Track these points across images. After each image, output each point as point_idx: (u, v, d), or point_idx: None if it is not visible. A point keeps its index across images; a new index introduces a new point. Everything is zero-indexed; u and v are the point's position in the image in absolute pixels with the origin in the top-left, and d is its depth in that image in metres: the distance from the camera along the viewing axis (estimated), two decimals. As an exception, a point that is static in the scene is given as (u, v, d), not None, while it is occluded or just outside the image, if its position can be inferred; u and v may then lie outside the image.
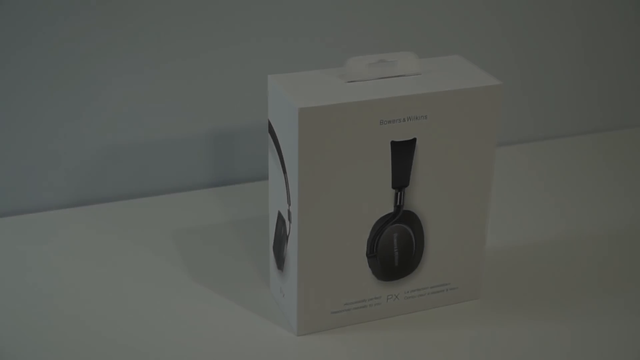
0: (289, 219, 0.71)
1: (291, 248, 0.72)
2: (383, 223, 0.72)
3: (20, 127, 0.90)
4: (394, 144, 0.69)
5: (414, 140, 0.70)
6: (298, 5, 0.95)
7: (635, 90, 1.13)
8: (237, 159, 0.99)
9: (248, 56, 0.95)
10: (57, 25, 0.87)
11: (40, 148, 0.92)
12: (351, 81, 0.70)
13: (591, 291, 0.80)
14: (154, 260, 0.84)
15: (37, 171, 0.92)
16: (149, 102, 0.94)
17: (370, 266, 0.74)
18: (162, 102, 0.94)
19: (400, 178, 0.71)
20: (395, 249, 0.74)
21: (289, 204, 0.71)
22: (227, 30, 0.93)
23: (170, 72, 0.93)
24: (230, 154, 0.98)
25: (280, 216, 0.74)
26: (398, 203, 0.72)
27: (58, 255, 0.85)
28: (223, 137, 0.98)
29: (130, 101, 0.93)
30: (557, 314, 0.77)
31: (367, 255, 0.73)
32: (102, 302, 0.78)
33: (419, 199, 0.72)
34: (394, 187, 0.71)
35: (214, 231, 0.90)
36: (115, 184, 0.95)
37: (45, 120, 0.91)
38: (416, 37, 1.00)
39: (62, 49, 0.89)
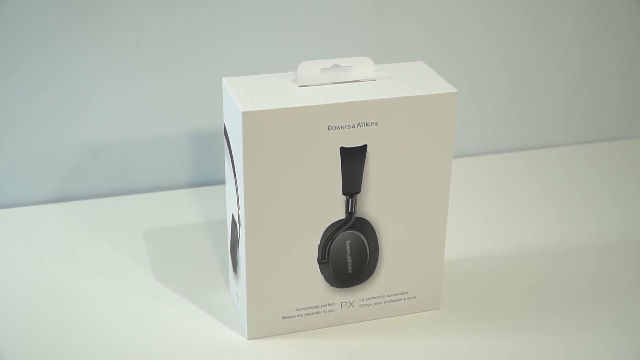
0: (239, 222, 0.71)
1: (241, 251, 0.72)
2: (334, 229, 0.71)
3: (2, 124, 0.92)
4: (343, 150, 0.69)
5: (365, 146, 0.69)
6: (284, 7, 0.95)
7: (618, 102, 1.11)
8: (217, 160, 0.99)
9: (230, 58, 0.95)
10: (41, 23, 0.89)
11: (21, 144, 0.93)
12: (303, 85, 0.70)
13: (552, 305, 0.79)
14: (120, 258, 0.85)
15: (17, 167, 0.94)
16: (131, 102, 0.95)
17: (322, 272, 0.73)
18: (143, 101, 0.95)
19: (351, 184, 0.70)
20: (348, 255, 0.73)
21: (239, 207, 0.71)
22: (209, 31, 0.94)
23: (151, 72, 0.94)
24: (210, 155, 0.99)
25: (233, 219, 0.74)
26: (349, 210, 0.71)
27: (28, 250, 0.86)
28: (204, 138, 0.98)
29: (113, 100, 0.94)
30: (517, 327, 0.76)
31: (318, 261, 0.72)
32: (58, 297, 0.79)
33: (372, 206, 0.72)
34: (344, 193, 0.70)
35: (188, 231, 0.90)
36: (96, 182, 0.96)
37: (26, 117, 0.92)
38: (402, 42, 0.99)
39: (44, 46, 0.90)
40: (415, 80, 0.72)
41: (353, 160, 0.69)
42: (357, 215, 0.72)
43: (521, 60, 1.04)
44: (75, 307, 0.78)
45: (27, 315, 0.77)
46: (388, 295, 0.76)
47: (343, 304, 0.75)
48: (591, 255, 0.86)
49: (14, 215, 0.92)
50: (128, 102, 0.94)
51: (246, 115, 0.65)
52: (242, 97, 0.68)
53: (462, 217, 0.93)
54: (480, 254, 0.86)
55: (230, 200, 0.73)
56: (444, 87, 0.70)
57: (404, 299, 0.76)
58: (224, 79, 0.71)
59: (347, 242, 0.72)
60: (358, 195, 0.71)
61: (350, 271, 0.74)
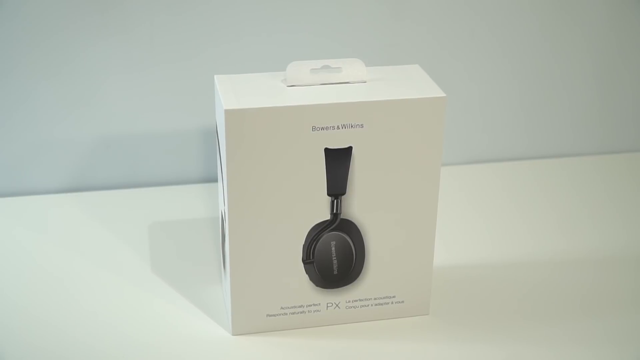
0: (225, 219, 0.72)
1: (226, 248, 0.72)
2: (319, 230, 0.71)
3: (17, 114, 0.94)
4: (327, 151, 0.69)
5: (350, 148, 0.69)
6: (298, 7, 0.95)
7: (629, 115, 1.08)
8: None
9: (241, 55, 0.96)
10: (55, 14, 0.91)
11: (35, 135, 0.95)
12: (292, 85, 0.70)
13: (545, 316, 0.77)
14: (122, 249, 0.86)
15: (31, 157, 0.96)
16: (144, 96, 0.96)
17: (307, 272, 0.73)
18: (156, 96, 0.96)
19: (336, 186, 0.70)
20: (334, 256, 0.73)
21: (224, 204, 0.71)
22: (222, 27, 0.95)
23: (165, 67, 0.95)
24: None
25: (222, 216, 0.74)
26: (335, 211, 0.71)
27: (35, 236, 0.88)
28: (215, 134, 0.99)
29: (126, 94, 0.96)
30: (509, 337, 0.75)
31: (303, 261, 0.73)
32: (56, 283, 0.81)
33: (358, 209, 0.71)
34: (329, 194, 0.70)
35: (193, 226, 0.91)
36: (107, 174, 0.98)
37: (41, 109, 0.94)
38: (415, 47, 0.99)
39: (59, 40, 0.92)
40: (406, 83, 0.71)
41: (338, 162, 0.69)
42: (343, 216, 0.72)
43: (534, 69, 1.03)
44: (71, 293, 0.79)
45: (25, 298, 0.79)
46: (375, 299, 0.76)
47: (329, 304, 0.75)
48: (590, 268, 0.84)
49: (25, 203, 0.95)
50: (141, 96, 0.96)
51: (229, 113, 0.66)
52: (228, 94, 0.68)
53: (465, 223, 0.92)
54: (479, 261, 0.85)
55: (220, 196, 0.74)
56: (433, 92, 0.70)
57: (392, 302, 0.76)
58: (215, 77, 0.72)
59: (333, 243, 0.72)
60: (344, 197, 0.71)
61: (335, 272, 0.74)
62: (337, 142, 0.69)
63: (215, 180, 1.00)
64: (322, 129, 0.68)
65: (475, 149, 1.05)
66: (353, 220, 0.72)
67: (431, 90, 0.70)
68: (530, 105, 1.05)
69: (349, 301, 0.75)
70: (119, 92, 0.95)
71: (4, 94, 0.93)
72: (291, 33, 0.96)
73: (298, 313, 0.75)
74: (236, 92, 0.69)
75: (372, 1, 0.96)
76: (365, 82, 0.71)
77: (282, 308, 0.74)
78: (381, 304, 0.76)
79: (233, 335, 0.74)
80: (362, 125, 0.68)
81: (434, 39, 0.99)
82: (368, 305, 0.76)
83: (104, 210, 0.93)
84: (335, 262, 0.73)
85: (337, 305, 0.75)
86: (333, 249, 0.73)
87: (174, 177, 1.00)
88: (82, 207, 0.94)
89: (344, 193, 0.71)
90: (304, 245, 0.72)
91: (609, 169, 1.05)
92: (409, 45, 0.98)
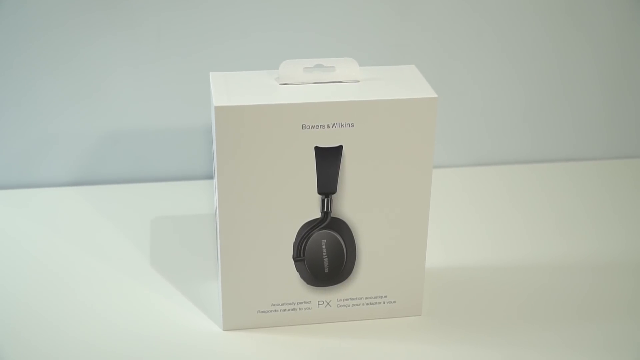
0: (216, 215, 0.72)
1: (218, 244, 0.73)
2: (310, 228, 0.72)
3: (23, 109, 0.96)
4: (318, 150, 0.69)
5: (340, 147, 0.69)
6: (304, 6, 0.96)
7: (634, 120, 1.07)
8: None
9: (247, 52, 0.97)
10: (62, 7, 0.92)
11: (42, 129, 0.97)
12: (284, 84, 0.71)
13: (539, 320, 0.77)
14: (123, 243, 0.87)
15: (37, 150, 0.98)
16: (149, 92, 0.97)
17: (297, 270, 0.73)
18: (161, 92, 0.97)
19: (327, 184, 0.70)
20: (324, 255, 0.73)
21: (216, 201, 0.72)
22: (228, 24, 0.95)
23: (170, 63, 0.96)
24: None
25: (215, 212, 0.75)
26: (325, 209, 0.71)
27: (38, 228, 0.89)
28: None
29: (132, 89, 0.97)
30: (502, 341, 0.74)
31: (293, 258, 0.73)
32: (54, 276, 0.82)
33: (349, 208, 0.72)
34: (320, 192, 0.71)
35: (195, 222, 0.92)
36: (114, 169, 0.99)
37: (48, 102, 0.96)
38: (422, 48, 0.99)
39: (65, 35, 0.93)
40: (399, 83, 0.71)
41: (328, 160, 0.69)
42: (334, 215, 0.72)
43: (539, 72, 1.02)
44: (71, 287, 0.81)
45: (26, 290, 0.80)
46: (367, 298, 0.76)
47: (320, 303, 0.75)
48: (588, 273, 0.84)
49: (30, 195, 0.96)
50: (146, 92, 0.97)
51: (219, 110, 0.67)
52: (220, 92, 0.69)
53: (466, 225, 0.92)
54: (478, 263, 0.85)
55: (214, 193, 0.75)
56: (425, 92, 0.70)
57: (383, 302, 0.76)
58: (210, 74, 0.72)
59: (323, 241, 0.73)
60: (334, 196, 0.71)
61: (326, 271, 0.74)
62: (327, 141, 0.69)
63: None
64: (313, 127, 0.68)
65: (479, 152, 1.04)
66: (344, 219, 0.72)
67: (423, 90, 0.70)
68: (535, 108, 1.04)
69: (340, 300, 0.75)
70: (124, 87, 0.97)
71: (10, 88, 0.94)
72: (297, 32, 0.97)
73: (289, 310, 0.75)
74: (228, 89, 0.69)
75: (377, 2, 0.96)
76: (358, 81, 0.71)
77: (273, 305, 0.75)
78: (372, 304, 0.76)
79: (224, 330, 0.75)
80: (352, 125, 0.69)
81: (439, 41, 0.99)
82: (359, 304, 0.76)
83: (107, 204, 0.95)
84: (326, 260, 0.73)
85: (328, 304, 0.75)
86: (324, 247, 0.73)
87: (178, 172, 1.01)
88: (85, 201, 0.95)
89: (334, 192, 0.71)
90: (294, 243, 0.72)
91: (613, 174, 1.04)
92: (414, 46, 0.98)
